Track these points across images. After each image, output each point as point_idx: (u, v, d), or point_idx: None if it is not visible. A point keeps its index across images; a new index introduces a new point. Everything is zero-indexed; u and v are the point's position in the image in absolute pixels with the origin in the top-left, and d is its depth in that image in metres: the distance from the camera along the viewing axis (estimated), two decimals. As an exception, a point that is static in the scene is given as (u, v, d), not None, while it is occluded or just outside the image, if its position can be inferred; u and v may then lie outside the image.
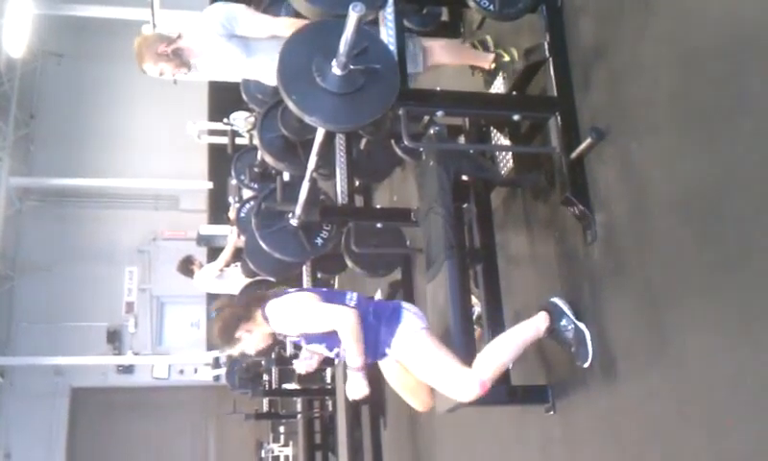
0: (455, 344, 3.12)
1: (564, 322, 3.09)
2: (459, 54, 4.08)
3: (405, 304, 3.28)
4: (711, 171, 2.39)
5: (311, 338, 3.25)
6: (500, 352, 3.02)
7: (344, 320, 3.08)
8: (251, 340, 3.27)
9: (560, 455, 3.35)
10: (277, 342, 3.43)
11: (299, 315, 3.20)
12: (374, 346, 3.19)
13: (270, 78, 3.66)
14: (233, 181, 8.40)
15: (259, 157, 6.35)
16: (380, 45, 2.96)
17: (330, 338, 3.18)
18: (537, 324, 3.10)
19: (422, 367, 3.10)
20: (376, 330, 3.16)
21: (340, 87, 2.71)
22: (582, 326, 3.06)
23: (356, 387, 3.16)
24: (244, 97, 6.47)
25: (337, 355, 3.26)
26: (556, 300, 3.15)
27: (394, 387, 3.43)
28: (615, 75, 2.99)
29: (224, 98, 10.63)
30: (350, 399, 3.26)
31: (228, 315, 3.28)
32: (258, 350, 3.34)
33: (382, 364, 3.36)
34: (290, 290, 3.33)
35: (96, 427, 15.14)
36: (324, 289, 3.33)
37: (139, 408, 15.44)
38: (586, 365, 3.02)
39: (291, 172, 5.33)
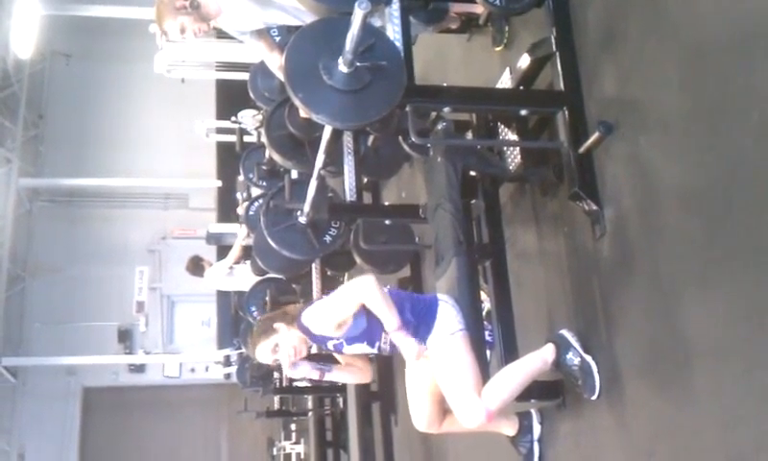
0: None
1: (570, 354, 3.10)
2: None
3: (442, 297, 3.21)
4: (720, 164, 2.38)
5: (352, 339, 3.17)
6: (508, 385, 3.01)
7: (363, 287, 3.01)
8: (283, 353, 3.23)
9: (571, 451, 3.35)
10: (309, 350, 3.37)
11: (328, 307, 3.15)
12: None
13: (289, 20, 3.63)
14: (241, 178, 8.40)
15: (267, 154, 6.35)
16: (386, 41, 2.95)
17: (369, 333, 3.14)
18: (544, 356, 3.11)
19: (443, 375, 3.06)
20: (415, 327, 3.09)
21: (346, 85, 2.70)
22: (588, 358, 3.06)
23: (409, 348, 3.03)
24: (251, 95, 6.47)
25: (379, 349, 3.20)
26: (564, 332, 3.16)
27: (411, 392, 3.37)
28: (623, 69, 2.98)
29: (231, 96, 10.66)
30: (412, 361, 3.13)
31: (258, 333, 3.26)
32: (293, 360, 3.27)
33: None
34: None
35: (108, 426, 15.20)
36: None
37: (151, 407, 15.49)
38: (593, 398, 3.03)
39: (299, 170, 5.32)
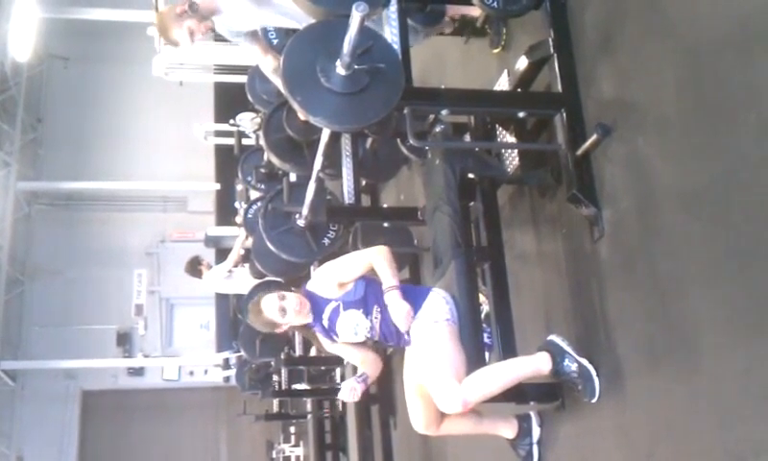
0: (463, 342, 3.11)
1: (566, 361, 3.04)
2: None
3: (436, 290, 3.29)
4: (718, 164, 2.38)
5: (348, 303, 3.28)
6: (493, 381, 2.98)
7: (378, 250, 3.30)
8: (290, 300, 3.32)
9: (570, 453, 3.34)
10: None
11: (339, 263, 3.37)
12: (398, 331, 3.22)
13: (285, 22, 3.63)
14: (239, 187, 8.39)
15: (266, 157, 6.34)
16: (384, 44, 2.95)
17: (365, 302, 3.27)
18: (538, 364, 3.05)
19: (425, 359, 3.08)
20: None
21: (344, 87, 2.70)
22: (585, 361, 3.02)
23: (399, 308, 3.17)
24: (249, 98, 6.47)
25: (371, 324, 3.29)
26: (554, 337, 3.11)
27: (409, 393, 3.37)
28: (621, 70, 2.98)
29: (230, 99, 10.65)
30: (399, 324, 3.21)
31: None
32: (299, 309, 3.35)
33: (408, 355, 3.35)
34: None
35: (107, 430, 15.19)
36: None
37: (150, 410, 15.49)
38: (594, 401, 3.00)
39: (297, 172, 5.32)
